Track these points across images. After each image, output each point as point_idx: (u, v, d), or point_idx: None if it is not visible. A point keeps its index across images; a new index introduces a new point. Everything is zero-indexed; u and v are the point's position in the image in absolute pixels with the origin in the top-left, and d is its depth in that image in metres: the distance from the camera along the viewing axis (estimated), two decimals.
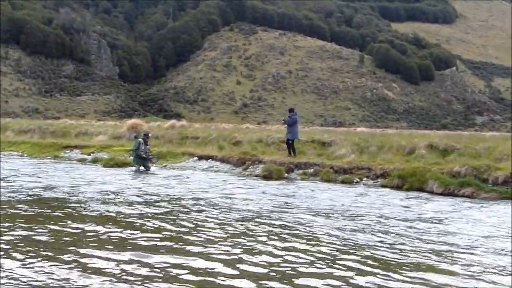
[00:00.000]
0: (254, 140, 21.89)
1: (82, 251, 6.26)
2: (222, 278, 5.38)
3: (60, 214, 8.81)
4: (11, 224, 7.72)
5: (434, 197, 12.66)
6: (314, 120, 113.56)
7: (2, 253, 6.05)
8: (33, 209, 9.18)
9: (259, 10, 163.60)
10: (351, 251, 6.74)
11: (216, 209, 9.82)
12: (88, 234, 7.28)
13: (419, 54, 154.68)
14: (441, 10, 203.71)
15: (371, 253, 6.67)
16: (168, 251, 6.39)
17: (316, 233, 7.78)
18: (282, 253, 6.45)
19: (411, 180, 14.08)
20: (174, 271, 5.55)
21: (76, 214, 8.86)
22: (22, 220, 8.04)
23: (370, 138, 20.43)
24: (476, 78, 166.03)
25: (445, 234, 8.11)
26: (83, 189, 12.17)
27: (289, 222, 8.62)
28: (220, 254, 6.35)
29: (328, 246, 6.93)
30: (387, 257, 6.50)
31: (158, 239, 7.05)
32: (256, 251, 6.55)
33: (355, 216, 9.46)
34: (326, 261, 6.18)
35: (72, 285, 5.06)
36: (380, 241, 7.37)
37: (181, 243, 6.88)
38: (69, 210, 9.28)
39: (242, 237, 7.35)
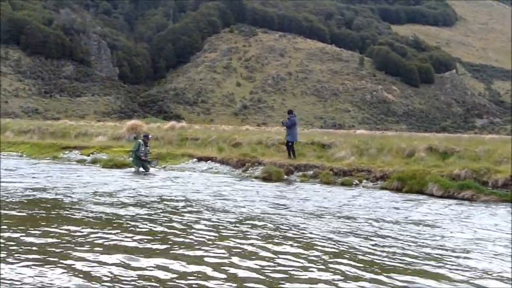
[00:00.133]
0: (254, 142, 21.85)
1: (71, 254, 6.18)
2: (212, 282, 5.32)
3: (52, 216, 8.73)
4: (1, 225, 7.63)
5: (433, 199, 12.62)
6: (313, 122, 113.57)
7: None
8: (25, 211, 9.10)
9: (259, 12, 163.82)
10: (344, 254, 6.66)
11: (210, 210, 9.74)
12: (79, 236, 7.19)
13: (419, 57, 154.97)
14: (441, 13, 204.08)
15: (364, 256, 6.59)
16: (159, 254, 6.32)
17: (309, 236, 7.70)
18: (274, 256, 6.38)
19: (411, 182, 14.05)
20: (163, 275, 5.48)
21: (68, 216, 8.77)
22: (12, 222, 7.96)
23: (369, 140, 20.39)
24: (476, 81, 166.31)
25: (440, 237, 8.04)
26: (78, 190, 12.09)
27: (283, 224, 8.55)
28: (211, 257, 6.27)
29: (320, 250, 6.84)
30: (380, 260, 6.42)
31: (149, 242, 6.98)
32: (248, 254, 6.48)
33: (349, 218, 9.37)
34: (317, 264, 6.11)
35: None
36: (374, 244, 7.29)
37: (172, 246, 6.80)
38: (61, 211, 9.20)
39: (235, 239, 7.27)
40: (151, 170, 18.28)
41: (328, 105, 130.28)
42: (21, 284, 5.07)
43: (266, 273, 5.69)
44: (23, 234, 7.13)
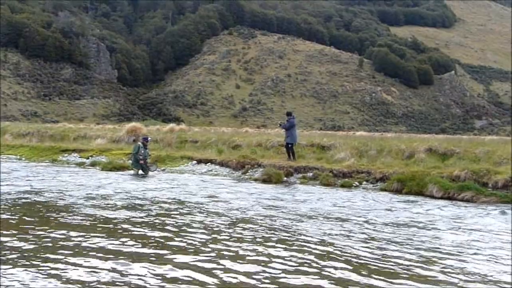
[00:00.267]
0: (254, 144, 21.83)
1: (62, 259, 6.11)
2: None
3: (45, 220, 8.66)
4: None
5: (433, 201, 12.58)
6: (313, 124, 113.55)
7: None
8: (18, 214, 9.03)
9: (258, 14, 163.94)
10: (337, 257, 6.59)
11: (203, 213, 9.68)
12: (70, 241, 7.11)
13: (418, 58, 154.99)
14: (440, 15, 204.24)
15: (357, 259, 6.53)
16: (151, 259, 6.25)
17: (302, 239, 7.64)
18: (267, 259, 6.32)
19: (411, 184, 14.03)
20: (154, 282, 5.42)
21: (61, 220, 8.70)
22: (4, 226, 7.89)
23: (369, 142, 20.36)
24: (474, 82, 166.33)
25: (437, 239, 7.98)
26: (74, 193, 12.02)
27: (278, 227, 8.49)
28: (203, 261, 6.22)
29: (314, 252, 6.78)
30: (374, 263, 6.35)
31: (141, 246, 6.91)
32: (240, 258, 6.42)
33: (344, 221, 9.30)
34: (310, 268, 6.05)
35: None
36: (368, 247, 7.22)
37: (164, 250, 6.73)
38: (54, 215, 9.12)
39: (228, 243, 7.21)
40: (150, 173, 18.26)
41: (327, 107, 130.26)
42: None
43: (258, 278, 5.64)
44: (13, 239, 7.05)
